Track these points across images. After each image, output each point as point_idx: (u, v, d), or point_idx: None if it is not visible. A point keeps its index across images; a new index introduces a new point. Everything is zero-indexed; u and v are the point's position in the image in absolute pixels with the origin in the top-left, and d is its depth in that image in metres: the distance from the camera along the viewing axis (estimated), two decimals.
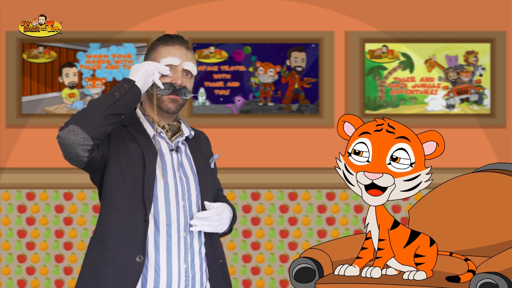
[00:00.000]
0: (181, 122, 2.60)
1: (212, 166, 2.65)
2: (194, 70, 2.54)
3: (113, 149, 2.46)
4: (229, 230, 2.64)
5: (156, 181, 2.46)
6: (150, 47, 2.57)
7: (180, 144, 2.56)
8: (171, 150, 2.53)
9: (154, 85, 2.51)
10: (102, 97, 2.39)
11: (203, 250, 2.56)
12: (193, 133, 2.61)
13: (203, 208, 2.55)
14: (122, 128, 2.51)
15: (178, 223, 2.48)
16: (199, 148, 2.62)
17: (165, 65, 2.50)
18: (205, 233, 2.57)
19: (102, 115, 2.34)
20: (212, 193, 2.62)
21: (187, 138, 2.60)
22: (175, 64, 2.50)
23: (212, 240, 2.59)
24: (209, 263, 2.57)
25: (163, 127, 2.54)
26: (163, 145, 2.52)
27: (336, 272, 3.18)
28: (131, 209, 2.44)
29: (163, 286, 2.46)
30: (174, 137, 2.55)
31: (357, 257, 3.19)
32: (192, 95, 2.56)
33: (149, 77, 2.43)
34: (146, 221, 2.43)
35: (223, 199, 2.72)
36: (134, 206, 2.44)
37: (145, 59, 2.57)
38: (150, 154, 2.46)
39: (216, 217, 2.50)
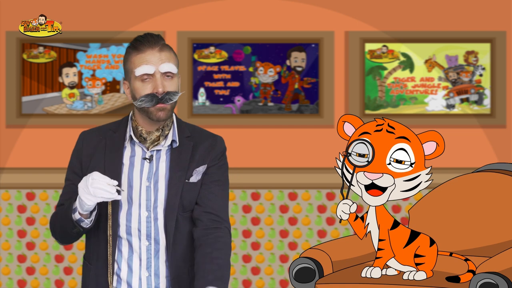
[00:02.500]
0: (168, 129, 2.47)
1: (193, 179, 2.46)
2: (173, 69, 2.40)
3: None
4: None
5: (121, 193, 2.39)
6: (125, 55, 2.46)
7: (162, 153, 2.45)
8: (144, 159, 2.45)
9: (138, 99, 2.42)
10: (61, 227, 2.43)
11: (174, 262, 2.46)
12: (177, 143, 2.46)
13: (166, 220, 2.41)
14: (102, 140, 2.48)
15: (139, 232, 2.42)
16: (189, 158, 2.46)
17: (140, 76, 2.39)
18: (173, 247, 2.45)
19: (68, 239, 2.48)
20: (185, 207, 2.44)
21: (174, 147, 2.48)
22: (149, 72, 2.38)
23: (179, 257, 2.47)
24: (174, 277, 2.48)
25: (140, 135, 2.45)
26: (138, 153, 2.45)
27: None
28: (100, 230, 2.46)
29: None
30: (152, 145, 2.45)
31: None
32: (179, 94, 2.42)
33: (99, 196, 2.29)
34: (113, 238, 2.44)
35: (216, 238, 2.43)
36: (100, 227, 2.45)
37: (124, 69, 2.47)
38: (112, 176, 2.38)
39: None
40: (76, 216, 2.36)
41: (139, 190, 2.44)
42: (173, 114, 2.50)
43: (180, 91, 2.46)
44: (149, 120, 2.43)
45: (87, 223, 2.37)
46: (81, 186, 2.30)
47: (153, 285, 2.46)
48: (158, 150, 2.46)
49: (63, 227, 2.42)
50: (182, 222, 2.45)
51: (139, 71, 2.39)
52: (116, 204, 2.42)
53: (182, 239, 2.45)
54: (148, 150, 2.45)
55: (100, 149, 2.46)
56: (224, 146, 2.54)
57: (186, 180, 2.45)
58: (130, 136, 2.46)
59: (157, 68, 2.39)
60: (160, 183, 2.44)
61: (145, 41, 2.41)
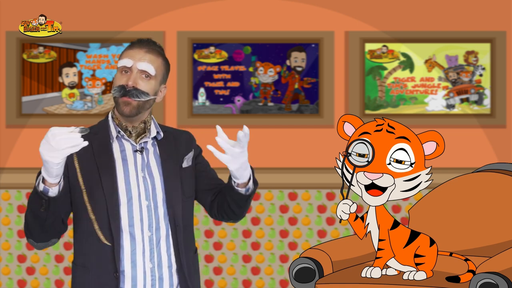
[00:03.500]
0: (149, 124, 2.56)
1: (185, 164, 2.58)
2: (150, 70, 2.48)
3: (73, 181, 2.46)
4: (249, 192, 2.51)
5: (118, 186, 2.46)
6: None
7: (148, 146, 2.54)
8: (135, 151, 2.52)
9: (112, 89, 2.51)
10: (32, 213, 2.37)
11: (173, 252, 2.52)
12: (162, 134, 2.57)
13: (169, 207, 2.50)
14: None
15: (141, 223, 2.47)
16: (175, 148, 2.59)
17: (120, 67, 2.50)
18: (174, 240, 2.52)
19: (40, 230, 2.40)
20: (185, 192, 2.56)
21: (158, 140, 2.57)
22: (127, 65, 2.48)
23: (181, 248, 2.54)
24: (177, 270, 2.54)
25: (125, 129, 2.52)
26: (127, 147, 2.52)
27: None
28: (100, 230, 2.45)
29: (128, 285, 2.47)
30: (139, 138, 2.54)
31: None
32: (150, 97, 2.49)
33: (64, 147, 2.23)
34: (116, 234, 2.45)
35: None
36: (101, 226, 2.45)
37: None
38: (107, 173, 2.46)
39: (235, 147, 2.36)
40: (41, 187, 2.31)
41: (137, 181, 2.49)
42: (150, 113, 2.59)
43: (159, 99, 2.56)
44: (123, 115, 2.50)
45: (54, 191, 2.31)
46: (43, 147, 2.25)
47: (157, 276, 2.49)
48: (145, 142, 2.55)
49: (33, 211, 2.36)
50: (185, 208, 2.55)
51: (120, 62, 2.51)
52: (115, 198, 2.45)
53: (186, 225, 2.55)
54: (136, 143, 2.53)
55: (87, 150, 2.44)
56: None
57: (180, 167, 2.57)
58: (118, 132, 2.52)
59: (135, 63, 2.48)
60: (155, 173, 2.52)
61: (137, 41, 2.55)
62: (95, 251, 2.46)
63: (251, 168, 2.50)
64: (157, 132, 2.57)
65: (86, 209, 2.45)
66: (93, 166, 2.47)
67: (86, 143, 2.24)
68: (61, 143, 2.23)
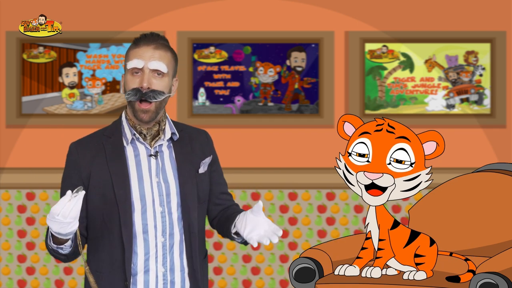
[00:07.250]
0: (163, 124, 2.50)
1: (202, 170, 2.54)
2: (162, 68, 2.41)
3: (86, 188, 2.44)
4: None
5: (132, 193, 2.42)
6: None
7: (163, 148, 2.49)
8: (150, 155, 2.47)
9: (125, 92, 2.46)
10: (52, 255, 2.44)
11: (185, 257, 2.51)
12: (177, 135, 2.51)
13: (184, 213, 2.48)
14: (99, 146, 2.48)
15: (155, 229, 2.45)
16: (191, 150, 2.53)
17: (130, 68, 2.42)
18: (187, 243, 2.52)
19: (65, 261, 2.47)
20: (200, 198, 2.53)
21: (174, 141, 2.52)
22: (138, 66, 2.40)
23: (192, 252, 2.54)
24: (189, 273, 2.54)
25: (140, 132, 2.47)
26: (142, 151, 2.47)
27: (336, 272, 3.19)
28: (112, 236, 2.45)
29: None
30: (153, 141, 2.48)
31: (357, 257, 3.20)
32: (166, 95, 2.43)
33: (75, 215, 2.23)
34: (128, 241, 2.45)
35: (235, 207, 2.64)
36: (113, 232, 2.44)
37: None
38: (120, 180, 2.43)
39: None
40: (53, 246, 2.36)
41: (151, 187, 2.45)
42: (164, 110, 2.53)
43: (173, 93, 2.49)
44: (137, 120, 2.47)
45: (67, 246, 2.35)
46: (56, 226, 2.24)
47: (169, 280, 2.48)
48: (160, 145, 2.49)
49: (52, 254, 2.43)
50: (200, 214, 2.54)
51: (130, 64, 2.42)
52: (128, 206, 2.42)
53: (200, 230, 2.54)
54: (151, 146, 2.47)
55: (99, 155, 2.45)
56: None
57: (197, 172, 2.52)
58: (134, 135, 2.46)
59: (146, 63, 2.41)
60: (170, 177, 2.47)
61: (144, 38, 2.45)
62: (107, 258, 2.45)
63: None
64: (173, 133, 2.51)
65: (99, 216, 2.44)
66: (106, 172, 2.43)
67: (83, 192, 2.23)
68: (72, 215, 2.21)
